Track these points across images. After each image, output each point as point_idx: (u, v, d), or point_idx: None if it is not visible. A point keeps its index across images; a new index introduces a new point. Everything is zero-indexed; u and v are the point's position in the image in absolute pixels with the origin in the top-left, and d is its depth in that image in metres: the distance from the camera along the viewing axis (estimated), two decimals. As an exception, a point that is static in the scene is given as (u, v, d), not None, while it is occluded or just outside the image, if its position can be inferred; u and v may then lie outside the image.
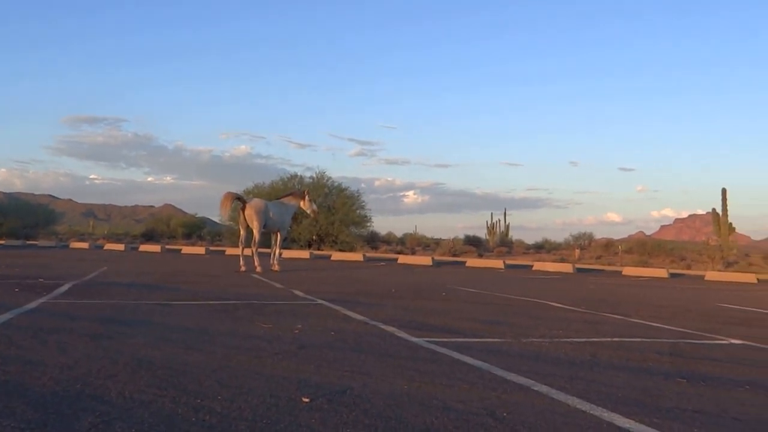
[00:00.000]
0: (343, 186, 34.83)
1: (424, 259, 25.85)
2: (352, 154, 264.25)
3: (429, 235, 46.71)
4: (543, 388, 3.84)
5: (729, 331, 7.27)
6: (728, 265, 28.11)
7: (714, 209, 36.04)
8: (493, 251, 38.96)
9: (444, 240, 41.19)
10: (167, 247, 32.13)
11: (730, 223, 35.29)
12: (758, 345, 6.33)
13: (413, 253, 34.68)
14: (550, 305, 9.62)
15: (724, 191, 35.42)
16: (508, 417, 3.18)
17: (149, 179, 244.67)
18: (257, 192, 32.01)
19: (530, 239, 48.95)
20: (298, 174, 35.45)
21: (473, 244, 40.71)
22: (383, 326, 6.41)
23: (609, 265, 28.54)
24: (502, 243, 44.48)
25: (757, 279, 21.18)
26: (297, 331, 5.82)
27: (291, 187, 30.90)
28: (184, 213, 57.93)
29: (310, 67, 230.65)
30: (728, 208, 35.09)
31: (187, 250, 30.24)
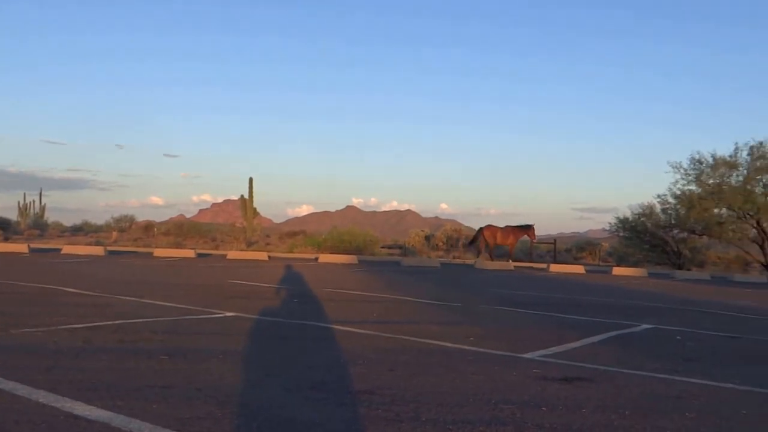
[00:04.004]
0: None
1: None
2: None
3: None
4: (9, 385, 3.40)
5: (229, 305, 7.83)
6: (250, 245, 30.88)
7: (242, 195, 38.85)
8: (23, 234, 34.19)
9: (-39, 222, 34.15)
10: None
11: (255, 208, 38.62)
12: (247, 315, 6.97)
13: None
14: (64, 291, 8.82)
15: (251, 180, 38.40)
16: (-55, 427, 2.67)
17: None
18: None
19: (69, 221, 44.60)
20: None
21: (0, 227, 34.86)
22: None
23: (145, 246, 28.14)
24: (36, 225, 39.36)
25: (269, 256, 23.82)
26: None
27: None
28: None
29: None
30: (254, 194, 38.28)
31: None
